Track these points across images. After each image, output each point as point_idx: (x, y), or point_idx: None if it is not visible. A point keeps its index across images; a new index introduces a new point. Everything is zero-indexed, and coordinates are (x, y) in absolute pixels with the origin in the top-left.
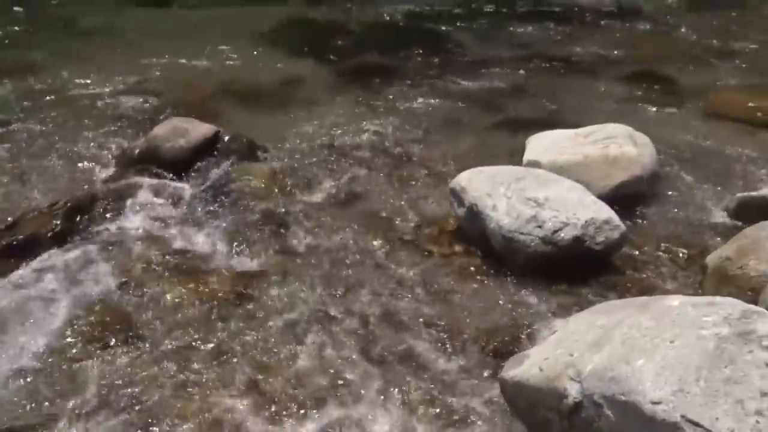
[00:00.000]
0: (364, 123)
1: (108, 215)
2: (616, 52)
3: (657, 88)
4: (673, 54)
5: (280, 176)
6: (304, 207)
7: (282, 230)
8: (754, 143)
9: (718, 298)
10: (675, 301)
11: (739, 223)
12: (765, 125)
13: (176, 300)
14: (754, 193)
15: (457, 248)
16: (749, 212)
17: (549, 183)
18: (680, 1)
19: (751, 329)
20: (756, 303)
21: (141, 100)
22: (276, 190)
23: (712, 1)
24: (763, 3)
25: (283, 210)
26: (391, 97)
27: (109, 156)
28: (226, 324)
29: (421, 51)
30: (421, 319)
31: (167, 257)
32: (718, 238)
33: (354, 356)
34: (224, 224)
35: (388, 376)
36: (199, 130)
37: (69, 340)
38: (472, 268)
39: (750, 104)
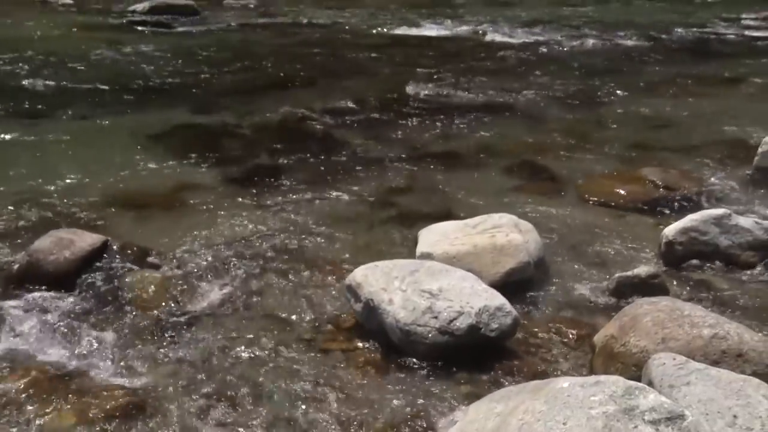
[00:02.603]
0: (257, 225)
1: None
2: (494, 145)
3: (535, 177)
4: (546, 145)
5: (172, 284)
6: (197, 314)
7: (174, 341)
8: (624, 225)
9: (603, 377)
10: (565, 383)
11: (620, 302)
12: (630, 208)
13: (58, 425)
14: (629, 273)
15: (357, 344)
16: (628, 290)
17: (442, 274)
18: (545, 97)
19: (634, 405)
20: (639, 378)
21: (20, 213)
22: (167, 299)
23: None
24: (615, 100)
25: (175, 319)
26: (282, 198)
27: None
28: None
29: (312, 151)
30: (322, 417)
31: (48, 378)
32: (603, 318)
33: None
34: (111, 338)
35: None
36: (86, 240)
37: None
38: (372, 363)
39: (616, 189)
